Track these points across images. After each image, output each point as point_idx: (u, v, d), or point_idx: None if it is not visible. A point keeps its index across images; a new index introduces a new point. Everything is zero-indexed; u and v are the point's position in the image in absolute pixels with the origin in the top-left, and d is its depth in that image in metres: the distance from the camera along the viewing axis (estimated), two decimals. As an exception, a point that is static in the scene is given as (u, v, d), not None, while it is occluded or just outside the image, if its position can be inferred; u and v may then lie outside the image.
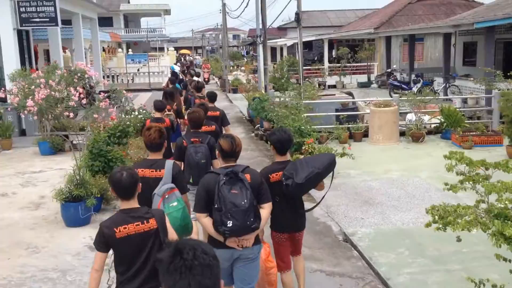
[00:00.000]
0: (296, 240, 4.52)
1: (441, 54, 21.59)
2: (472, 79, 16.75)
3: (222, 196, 3.54)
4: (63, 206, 6.86)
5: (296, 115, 10.47)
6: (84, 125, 9.92)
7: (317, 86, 21.52)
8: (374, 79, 26.81)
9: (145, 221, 3.17)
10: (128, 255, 3.16)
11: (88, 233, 6.39)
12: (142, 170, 4.07)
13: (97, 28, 21.94)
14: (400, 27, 24.93)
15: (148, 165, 4.16)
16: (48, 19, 13.83)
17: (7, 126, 12.03)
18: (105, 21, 39.96)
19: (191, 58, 58.22)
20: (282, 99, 13.02)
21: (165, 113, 8.02)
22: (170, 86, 12.90)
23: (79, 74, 7.56)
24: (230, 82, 27.83)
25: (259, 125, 14.09)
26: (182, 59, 52.95)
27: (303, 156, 8.53)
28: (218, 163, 4.16)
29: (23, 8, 13.58)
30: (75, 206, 6.78)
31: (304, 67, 20.64)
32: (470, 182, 3.48)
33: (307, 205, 5.16)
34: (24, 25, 13.83)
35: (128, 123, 9.05)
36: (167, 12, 52.37)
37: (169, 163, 4.20)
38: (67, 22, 18.62)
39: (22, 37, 16.25)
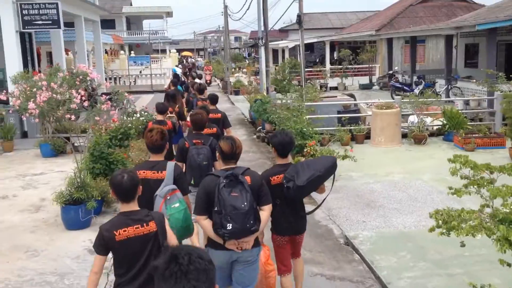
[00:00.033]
0: (296, 243, 4.52)
1: (443, 56, 21.55)
2: (474, 81, 16.72)
3: (222, 198, 3.53)
4: (63, 209, 6.84)
5: (298, 117, 10.44)
6: (86, 127, 9.91)
7: (318, 88, 21.53)
8: (375, 81, 26.77)
9: (144, 224, 3.16)
10: (128, 258, 3.16)
11: (88, 236, 6.37)
12: (144, 172, 4.07)
13: (99, 31, 21.96)
14: (402, 29, 24.91)
15: (150, 166, 4.16)
16: (50, 22, 13.84)
17: (9, 128, 12.03)
18: (108, 24, 40.08)
19: (193, 60, 58.24)
20: (284, 101, 12.99)
21: (167, 115, 8.00)
22: (172, 88, 12.89)
23: (81, 77, 7.54)
24: (232, 84, 27.83)
25: (260, 127, 14.07)
26: (184, 61, 52.99)
27: (304, 158, 8.50)
28: (220, 165, 4.16)
29: (26, 10, 13.59)
30: (75, 209, 6.76)
31: (306, 69, 20.61)
32: (475, 186, 3.44)
33: (309, 207, 5.13)
34: (26, 27, 13.84)
35: (129, 125, 9.03)
36: (169, 14, 52.44)
37: (171, 164, 4.20)
38: (69, 25, 18.65)
39: (25, 39, 16.28)
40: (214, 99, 8.54)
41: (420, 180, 8.84)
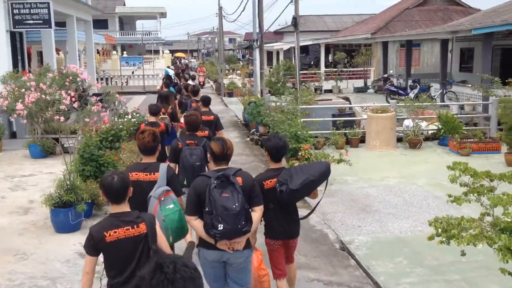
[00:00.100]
0: (289, 247, 4.49)
1: (438, 60, 21.56)
2: (469, 85, 16.70)
3: (213, 199, 3.54)
4: (53, 211, 6.69)
5: (292, 120, 10.33)
6: (76, 128, 9.73)
7: (313, 90, 21.45)
8: (370, 84, 26.77)
9: (135, 226, 3.16)
10: (119, 260, 3.15)
11: (78, 240, 6.21)
12: (136, 174, 4.08)
13: (91, 30, 21.77)
14: (397, 32, 24.90)
15: (142, 168, 4.15)
16: (41, 21, 13.68)
17: (-2, 129, 11.84)
18: (100, 23, 39.83)
19: (187, 61, 58.08)
20: (278, 103, 12.88)
21: (160, 116, 7.88)
22: (165, 89, 12.74)
23: (71, 77, 7.37)
24: (225, 85, 27.71)
25: (254, 129, 13.95)
26: (178, 62, 52.81)
27: (299, 161, 8.40)
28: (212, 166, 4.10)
29: (17, 10, 13.43)
30: (64, 212, 6.62)
31: (301, 72, 20.54)
32: (475, 194, 3.33)
33: (303, 212, 5.04)
34: (17, 27, 13.68)
35: (121, 126, 8.88)
36: (163, 15, 52.24)
37: (164, 166, 4.20)
38: (61, 24, 18.45)
39: (16, 39, 16.06)
40: (206, 101, 8.44)
41: (416, 185, 8.75)
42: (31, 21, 13.55)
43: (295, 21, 16.50)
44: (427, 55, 27.23)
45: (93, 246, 3.13)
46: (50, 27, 13.91)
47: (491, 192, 3.34)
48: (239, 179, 3.68)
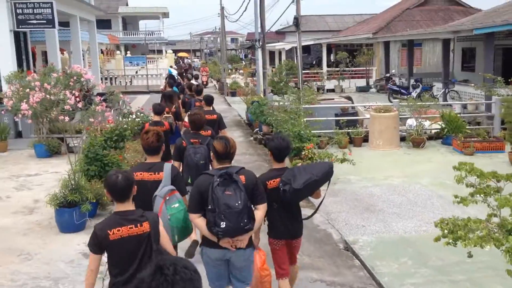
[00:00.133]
0: (292, 247, 4.49)
1: (439, 59, 21.53)
2: (472, 84, 16.68)
3: (216, 197, 3.55)
4: (57, 211, 6.70)
5: (295, 120, 10.33)
6: (80, 128, 9.76)
7: (316, 90, 21.44)
8: (372, 84, 26.74)
9: (138, 225, 3.17)
10: (122, 258, 3.17)
11: (83, 240, 6.22)
12: (140, 174, 4.09)
13: (95, 30, 21.79)
14: (398, 32, 24.88)
15: (146, 168, 4.17)
16: (45, 21, 13.70)
17: (3, 128, 11.87)
18: (104, 24, 39.85)
19: (189, 61, 58.07)
20: (281, 103, 12.88)
21: (164, 115, 7.90)
22: (169, 88, 12.76)
23: (75, 77, 7.40)
24: (228, 85, 27.72)
25: (258, 129, 13.95)
26: (181, 61, 52.82)
27: (302, 161, 8.40)
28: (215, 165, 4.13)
29: (20, 10, 13.44)
30: (69, 211, 6.63)
31: (303, 71, 20.53)
32: (481, 195, 3.33)
33: (307, 211, 5.04)
34: (20, 27, 13.69)
35: (125, 126, 8.89)
36: (166, 15, 52.27)
37: (168, 166, 4.22)
38: (65, 24, 18.47)
39: (20, 39, 16.09)
40: (209, 100, 8.44)
41: (419, 184, 8.74)
42: (34, 21, 13.57)
43: (296, 21, 16.48)
44: (429, 54, 27.20)
45: (97, 244, 3.15)
46: (53, 27, 13.94)
47: (498, 193, 3.33)
48: (242, 177, 3.69)
